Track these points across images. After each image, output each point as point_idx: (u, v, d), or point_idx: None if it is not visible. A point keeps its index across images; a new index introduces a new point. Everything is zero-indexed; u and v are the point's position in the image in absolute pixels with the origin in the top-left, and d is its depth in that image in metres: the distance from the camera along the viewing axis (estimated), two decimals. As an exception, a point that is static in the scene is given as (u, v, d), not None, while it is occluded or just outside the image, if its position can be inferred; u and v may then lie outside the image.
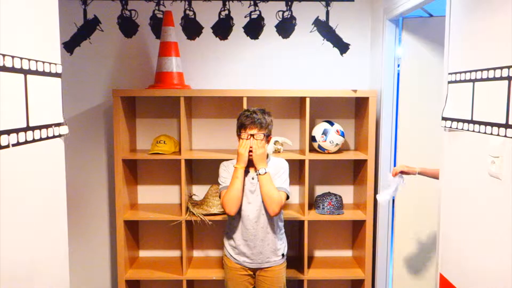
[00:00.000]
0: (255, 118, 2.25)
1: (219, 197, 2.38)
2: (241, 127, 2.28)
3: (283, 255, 2.40)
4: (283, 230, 2.43)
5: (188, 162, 3.01)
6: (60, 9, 1.32)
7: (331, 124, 2.90)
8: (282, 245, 2.40)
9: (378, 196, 2.50)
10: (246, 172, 2.32)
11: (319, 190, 3.20)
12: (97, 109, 3.14)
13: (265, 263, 2.34)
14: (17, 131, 1.08)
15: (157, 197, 3.21)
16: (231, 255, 2.38)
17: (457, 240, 1.70)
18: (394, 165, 2.90)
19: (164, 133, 3.09)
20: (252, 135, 2.24)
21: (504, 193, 1.37)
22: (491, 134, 1.43)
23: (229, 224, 2.39)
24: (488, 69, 1.46)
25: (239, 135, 2.30)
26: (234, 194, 2.25)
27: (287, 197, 2.33)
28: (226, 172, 2.36)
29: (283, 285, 2.42)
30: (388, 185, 2.43)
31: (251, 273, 2.37)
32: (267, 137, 2.31)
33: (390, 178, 2.42)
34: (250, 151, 2.25)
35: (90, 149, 3.17)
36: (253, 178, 2.31)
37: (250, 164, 2.31)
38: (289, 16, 2.93)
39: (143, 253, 3.27)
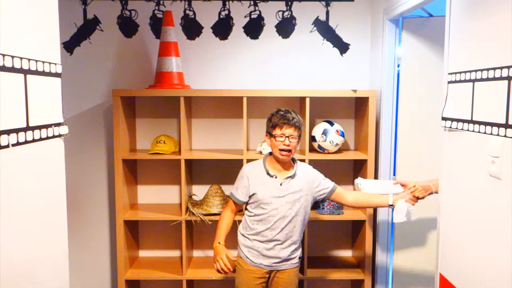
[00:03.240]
0: (289, 117, 2.21)
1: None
2: (275, 126, 2.23)
3: (299, 258, 2.36)
4: (302, 234, 2.37)
5: (188, 162, 3.01)
6: (60, 9, 1.32)
7: (331, 124, 2.90)
8: (299, 249, 2.36)
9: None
10: (272, 177, 2.27)
11: (319, 190, 3.19)
12: (97, 109, 3.14)
13: (282, 265, 2.30)
14: (17, 131, 1.08)
15: (157, 197, 3.21)
16: (247, 257, 2.30)
17: (457, 240, 1.70)
18: (394, 165, 2.90)
19: (164, 133, 3.09)
20: (287, 137, 2.20)
21: (504, 193, 1.37)
22: (491, 134, 1.43)
23: (248, 226, 2.31)
24: (488, 69, 1.46)
25: (270, 135, 2.25)
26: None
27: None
28: (240, 181, 2.31)
29: (296, 287, 2.39)
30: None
31: (267, 275, 2.32)
32: (299, 138, 2.28)
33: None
34: (285, 150, 2.22)
35: (90, 149, 3.17)
36: (281, 184, 2.25)
37: (277, 166, 2.28)
38: (289, 16, 2.93)
39: (143, 253, 3.27)
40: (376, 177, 2.92)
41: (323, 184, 2.36)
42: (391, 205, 2.30)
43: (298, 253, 2.35)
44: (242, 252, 2.34)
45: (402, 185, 2.38)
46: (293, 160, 2.35)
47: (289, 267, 2.32)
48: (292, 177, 2.27)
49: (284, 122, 2.21)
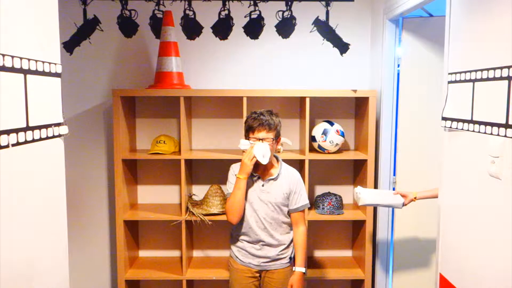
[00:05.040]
0: (262, 119, 2.20)
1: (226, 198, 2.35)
2: (249, 130, 2.24)
3: (290, 258, 2.38)
4: (291, 234, 2.38)
5: (188, 162, 3.01)
6: (60, 9, 1.32)
7: (331, 124, 2.90)
8: (289, 250, 2.37)
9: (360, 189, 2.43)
10: (254, 177, 2.29)
11: (319, 190, 3.20)
12: (97, 109, 3.14)
13: (271, 265, 2.33)
14: (17, 131, 1.08)
15: (157, 197, 3.21)
16: (237, 257, 2.35)
17: (457, 240, 1.70)
18: (394, 165, 2.90)
19: (164, 133, 3.09)
20: (261, 139, 2.21)
21: (504, 193, 1.37)
22: (491, 134, 1.43)
23: (236, 226, 2.34)
24: (488, 69, 1.46)
25: (247, 138, 2.27)
26: (237, 205, 2.21)
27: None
28: (233, 177, 2.31)
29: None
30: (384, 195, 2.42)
31: (257, 275, 2.35)
32: (276, 139, 2.28)
33: (389, 192, 2.44)
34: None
35: (90, 149, 3.17)
36: (263, 185, 2.28)
37: (258, 169, 2.28)
38: (289, 16, 2.93)
39: (143, 253, 3.27)
40: (376, 177, 2.92)
41: (297, 200, 2.32)
42: (294, 269, 2.31)
43: (289, 253, 2.36)
44: (233, 252, 2.38)
45: (403, 196, 2.38)
46: (277, 159, 2.35)
47: (279, 267, 2.34)
48: (275, 179, 2.29)
49: (256, 126, 2.21)
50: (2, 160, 1.02)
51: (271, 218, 2.28)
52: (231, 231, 2.42)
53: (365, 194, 2.38)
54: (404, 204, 2.37)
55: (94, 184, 3.21)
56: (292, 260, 2.40)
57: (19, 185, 1.11)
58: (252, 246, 2.30)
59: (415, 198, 2.35)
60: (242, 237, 2.33)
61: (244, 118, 2.79)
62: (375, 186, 2.92)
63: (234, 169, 2.34)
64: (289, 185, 2.31)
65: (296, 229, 2.35)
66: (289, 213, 2.35)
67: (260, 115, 2.23)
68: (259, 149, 2.19)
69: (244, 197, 2.23)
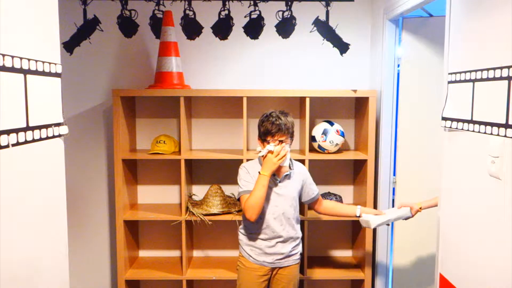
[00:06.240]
0: (281, 124, 2.21)
1: (238, 200, 2.34)
2: (267, 134, 2.24)
3: (300, 254, 2.42)
4: (300, 231, 2.41)
5: (188, 162, 3.01)
6: (60, 9, 1.32)
7: (331, 124, 2.90)
8: (300, 245, 2.41)
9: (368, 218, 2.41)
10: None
11: (319, 190, 3.17)
12: (97, 109, 3.14)
13: (284, 262, 2.34)
14: (17, 131, 1.08)
15: (157, 197, 3.21)
16: (250, 256, 2.33)
17: (457, 240, 1.70)
18: (394, 165, 2.91)
19: (164, 133, 3.09)
20: (281, 141, 2.23)
21: (504, 193, 1.37)
22: (491, 134, 1.43)
23: (250, 225, 2.33)
24: (488, 69, 1.46)
25: (263, 140, 2.27)
26: (259, 202, 2.20)
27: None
28: (248, 176, 2.30)
29: (297, 283, 2.43)
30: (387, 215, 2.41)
31: (269, 273, 2.35)
32: (292, 138, 2.33)
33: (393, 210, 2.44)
34: None
35: (90, 149, 3.17)
36: (280, 182, 2.30)
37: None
38: (289, 16, 2.94)
39: (143, 253, 3.27)
40: (376, 177, 2.92)
41: (313, 189, 2.44)
42: (359, 216, 2.42)
43: (299, 248, 2.40)
44: (245, 251, 2.36)
45: (407, 206, 2.39)
46: None
47: (291, 263, 2.36)
48: (289, 175, 2.33)
49: (275, 131, 2.22)
50: (2, 160, 1.02)
51: (289, 214, 2.30)
52: (243, 231, 2.38)
53: (372, 218, 2.39)
54: (411, 215, 2.38)
55: (94, 184, 3.21)
56: (301, 256, 2.44)
57: (19, 185, 1.11)
58: (267, 244, 2.30)
59: (420, 208, 2.36)
60: (257, 236, 2.31)
61: (244, 118, 2.80)
62: (375, 186, 2.92)
63: (248, 168, 2.34)
64: (301, 177, 2.38)
65: (324, 203, 2.49)
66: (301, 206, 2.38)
67: (278, 119, 2.23)
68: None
69: (265, 194, 2.23)
